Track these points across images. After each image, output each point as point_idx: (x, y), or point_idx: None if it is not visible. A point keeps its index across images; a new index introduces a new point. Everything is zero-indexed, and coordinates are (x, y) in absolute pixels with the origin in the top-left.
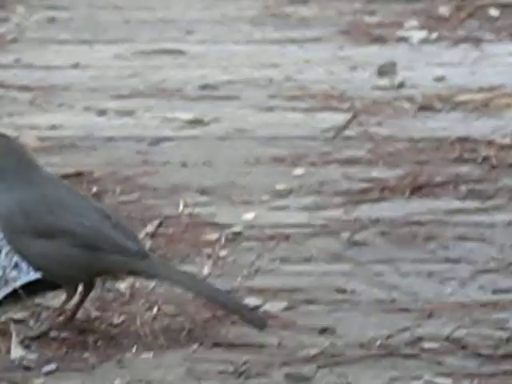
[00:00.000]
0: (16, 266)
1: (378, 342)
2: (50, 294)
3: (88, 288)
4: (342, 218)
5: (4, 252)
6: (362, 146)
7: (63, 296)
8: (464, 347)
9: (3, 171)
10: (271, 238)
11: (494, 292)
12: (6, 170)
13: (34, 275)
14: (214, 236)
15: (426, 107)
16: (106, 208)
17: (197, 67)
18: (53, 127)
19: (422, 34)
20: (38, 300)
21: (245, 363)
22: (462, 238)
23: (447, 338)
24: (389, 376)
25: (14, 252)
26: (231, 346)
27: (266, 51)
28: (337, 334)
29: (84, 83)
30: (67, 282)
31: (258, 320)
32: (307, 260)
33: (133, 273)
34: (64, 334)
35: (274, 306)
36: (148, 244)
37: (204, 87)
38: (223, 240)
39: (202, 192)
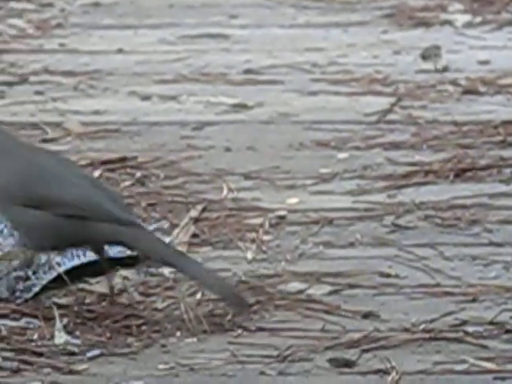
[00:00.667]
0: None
1: (422, 326)
2: (93, 280)
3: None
4: (385, 202)
5: None
6: (406, 129)
7: (105, 281)
8: (508, 331)
9: None
10: (315, 222)
11: None
12: None
13: (78, 260)
14: (257, 221)
15: (470, 91)
16: (92, 175)
17: (241, 51)
18: (97, 112)
19: (467, 17)
20: (81, 285)
21: (288, 348)
22: (506, 221)
23: (491, 322)
24: (433, 360)
25: (7, 221)
26: (275, 330)
27: (309, 35)
28: (381, 318)
29: (128, 68)
30: (48, 250)
31: (238, 303)
32: (351, 244)
33: (120, 243)
34: (107, 321)
35: (317, 291)
36: (192, 229)
37: (248, 71)
38: (267, 225)
39: (246, 176)
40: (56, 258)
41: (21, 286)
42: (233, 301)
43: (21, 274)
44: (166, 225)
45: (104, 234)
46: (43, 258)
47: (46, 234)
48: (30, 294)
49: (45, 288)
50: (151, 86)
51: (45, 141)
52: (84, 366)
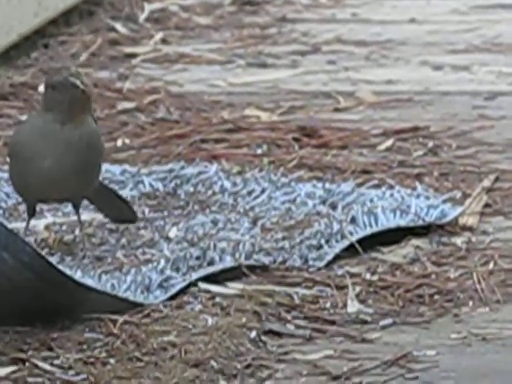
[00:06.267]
0: (353, 220)
1: None
2: (386, 249)
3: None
4: None
5: (341, 206)
6: None
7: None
8: None
9: None
10: None
11: None
12: None
13: (370, 230)
14: None
15: None
16: None
17: None
18: (389, 82)
19: None
20: (374, 254)
21: None
22: None
23: None
24: None
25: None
26: None
27: None
28: None
29: (420, 38)
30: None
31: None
32: None
33: None
34: (400, 291)
35: None
36: (484, 199)
37: None
38: None
39: None
40: (348, 226)
41: (314, 254)
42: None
43: (314, 242)
44: (458, 195)
45: None
46: (336, 226)
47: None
48: (323, 263)
49: (337, 257)
50: (443, 56)
51: (337, 110)
52: (376, 335)
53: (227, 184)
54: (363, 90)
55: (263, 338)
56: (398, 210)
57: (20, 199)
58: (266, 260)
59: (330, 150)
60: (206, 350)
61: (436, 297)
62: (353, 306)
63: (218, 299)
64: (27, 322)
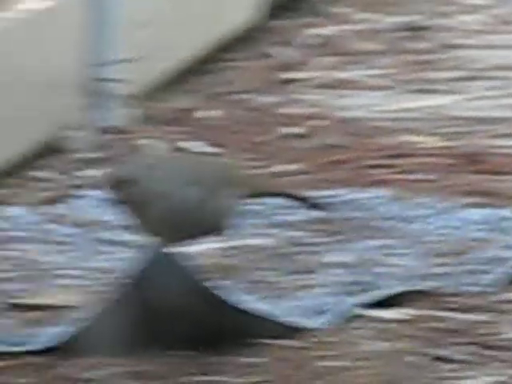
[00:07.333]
0: None
1: None
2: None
3: None
4: None
5: None
6: None
7: None
8: None
9: None
10: None
11: None
12: None
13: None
14: None
15: None
16: None
17: None
18: None
19: None
20: None
21: None
22: None
23: None
24: None
25: None
26: None
27: None
28: None
29: None
30: None
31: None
32: None
33: None
34: None
35: None
36: None
37: None
38: None
39: None
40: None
41: (485, 279)
42: None
43: (484, 267)
44: None
45: None
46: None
47: None
48: (494, 288)
49: None
50: None
51: (502, 136)
52: None
53: (389, 209)
54: None
55: (428, 363)
56: None
57: None
58: (433, 285)
59: (496, 175)
60: (367, 375)
61: None
62: None
63: (377, 324)
64: (190, 346)
